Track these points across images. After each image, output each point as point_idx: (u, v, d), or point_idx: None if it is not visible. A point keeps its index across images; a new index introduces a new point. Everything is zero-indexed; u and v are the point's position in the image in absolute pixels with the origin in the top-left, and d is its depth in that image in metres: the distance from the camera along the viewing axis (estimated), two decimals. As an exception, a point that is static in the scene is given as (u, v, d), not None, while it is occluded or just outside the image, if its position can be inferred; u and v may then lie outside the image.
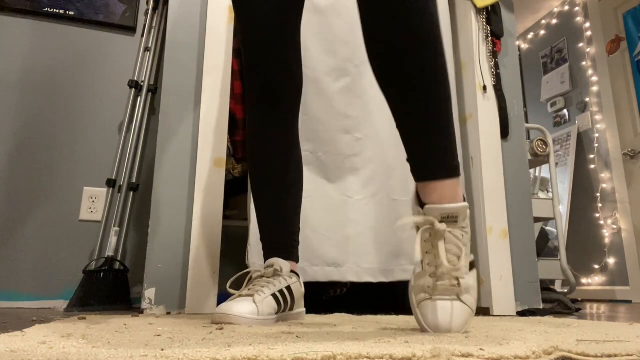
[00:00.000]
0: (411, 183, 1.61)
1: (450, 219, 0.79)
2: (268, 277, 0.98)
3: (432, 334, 0.73)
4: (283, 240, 1.09)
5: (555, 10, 4.05)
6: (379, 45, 0.82)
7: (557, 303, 1.75)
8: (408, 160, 0.89)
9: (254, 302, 0.90)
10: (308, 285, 1.46)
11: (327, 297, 1.79)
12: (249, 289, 0.94)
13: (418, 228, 0.82)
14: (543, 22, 4.18)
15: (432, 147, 0.84)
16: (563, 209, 3.59)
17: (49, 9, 1.77)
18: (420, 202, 0.85)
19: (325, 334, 0.70)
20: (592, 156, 3.56)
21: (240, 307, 0.87)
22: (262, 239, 1.09)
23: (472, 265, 0.84)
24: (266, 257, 1.06)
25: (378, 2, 0.80)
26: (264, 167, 1.08)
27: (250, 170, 1.11)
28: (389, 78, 0.83)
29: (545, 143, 2.21)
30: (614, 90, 3.43)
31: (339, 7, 1.60)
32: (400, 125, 0.88)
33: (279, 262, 1.00)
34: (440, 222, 0.78)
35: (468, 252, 0.81)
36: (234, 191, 1.78)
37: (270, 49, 1.02)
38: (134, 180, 1.71)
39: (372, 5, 0.81)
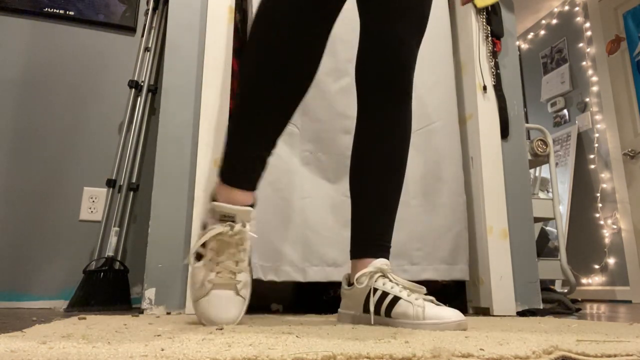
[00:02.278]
0: (411, 183, 1.61)
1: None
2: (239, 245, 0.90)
3: (432, 334, 0.73)
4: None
5: (555, 10, 4.05)
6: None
7: (557, 303, 1.75)
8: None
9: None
10: (308, 285, 1.46)
11: (327, 297, 1.79)
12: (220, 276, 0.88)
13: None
14: (543, 22, 4.18)
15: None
16: (563, 209, 3.59)
17: (49, 9, 1.77)
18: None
19: (325, 334, 0.70)
20: (592, 156, 3.56)
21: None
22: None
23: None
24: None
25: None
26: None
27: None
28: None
29: (545, 143, 2.21)
30: (614, 90, 3.43)
31: (339, 7, 1.60)
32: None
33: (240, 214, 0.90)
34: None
35: None
36: (234, 191, 1.77)
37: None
38: (134, 180, 1.71)
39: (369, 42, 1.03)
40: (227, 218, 0.87)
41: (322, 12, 0.91)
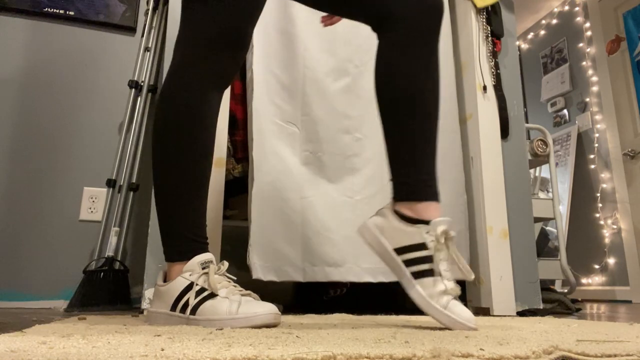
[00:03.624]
0: (411, 183, 1.61)
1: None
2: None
3: (432, 334, 0.73)
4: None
5: (555, 10, 4.05)
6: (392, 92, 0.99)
7: (557, 303, 1.75)
8: (405, 180, 0.98)
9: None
10: (308, 285, 1.46)
11: (327, 297, 1.80)
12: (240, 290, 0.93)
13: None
14: (543, 22, 4.18)
15: (433, 170, 0.99)
16: (563, 209, 3.59)
17: (49, 9, 1.77)
18: (410, 219, 0.93)
19: (325, 334, 0.70)
20: (592, 156, 3.56)
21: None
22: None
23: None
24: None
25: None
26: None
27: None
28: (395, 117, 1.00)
29: (545, 143, 2.21)
30: (614, 90, 3.43)
31: (339, 7, 1.60)
32: (411, 148, 0.98)
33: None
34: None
35: None
36: (234, 191, 1.78)
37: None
38: (134, 180, 1.71)
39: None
40: (207, 264, 0.90)
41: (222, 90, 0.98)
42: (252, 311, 0.82)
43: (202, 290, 0.87)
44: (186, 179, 0.94)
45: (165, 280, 0.94)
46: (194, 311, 0.86)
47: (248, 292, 0.90)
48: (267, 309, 0.83)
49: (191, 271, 0.90)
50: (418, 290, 0.87)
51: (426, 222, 0.90)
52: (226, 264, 0.94)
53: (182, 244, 0.93)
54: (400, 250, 0.91)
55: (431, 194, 0.96)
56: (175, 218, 0.94)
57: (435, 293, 0.86)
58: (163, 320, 0.91)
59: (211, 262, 0.91)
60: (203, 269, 0.90)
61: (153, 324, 0.90)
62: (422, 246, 0.89)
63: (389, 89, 0.99)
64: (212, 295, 0.86)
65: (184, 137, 0.93)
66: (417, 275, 0.88)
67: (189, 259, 0.90)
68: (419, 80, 0.98)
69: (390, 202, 0.96)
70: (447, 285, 0.86)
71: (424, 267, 0.88)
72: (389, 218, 0.94)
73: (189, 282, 0.89)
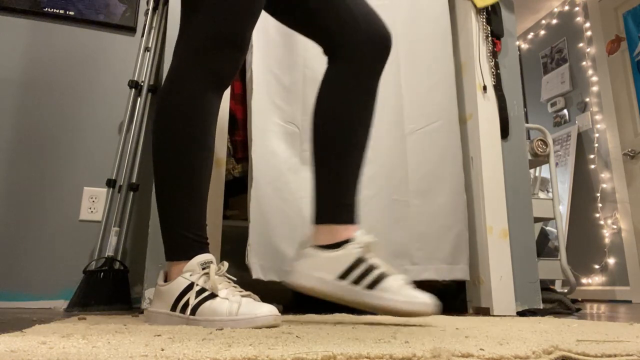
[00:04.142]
0: (411, 183, 1.61)
1: None
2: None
3: (432, 334, 0.73)
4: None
5: (555, 10, 4.05)
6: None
7: (557, 303, 1.75)
8: (330, 205, 1.03)
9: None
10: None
11: (327, 297, 1.79)
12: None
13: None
14: (543, 22, 4.18)
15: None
16: (563, 209, 3.59)
17: (48, 9, 1.77)
18: (334, 245, 0.98)
19: (325, 334, 0.70)
20: (592, 156, 3.56)
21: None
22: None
23: None
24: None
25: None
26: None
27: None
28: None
29: (545, 143, 2.21)
30: (614, 90, 3.43)
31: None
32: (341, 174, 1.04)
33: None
34: None
35: None
36: (234, 191, 1.78)
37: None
38: (134, 180, 1.70)
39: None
40: (207, 264, 0.91)
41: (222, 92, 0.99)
42: (253, 312, 0.82)
43: (203, 290, 0.87)
44: (186, 179, 0.94)
45: (165, 280, 0.94)
46: (194, 311, 0.86)
47: (248, 292, 0.90)
48: (268, 310, 0.83)
49: (191, 271, 0.89)
50: (380, 295, 0.93)
51: (347, 241, 0.97)
52: (226, 264, 0.94)
53: (182, 243, 0.93)
54: (343, 276, 0.95)
55: (352, 219, 1.01)
56: (175, 218, 0.94)
57: (396, 286, 0.93)
58: (163, 320, 0.91)
59: (211, 262, 0.91)
60: (203, 269, 0.90)
61: (153, 324, 0.90)
62: (359, 261, 0.96)
63: (327, 115, 1.04)
64: (213, 295, 0.86)
65: (183, 138, 0.93)
66: (372, 285, 0.94)
67: (190, 258, 0.90)
68: (355, 112, 1.03)
69: (309, 241, 1.01)
70: (387, 270, 0.95)
71: (374, 275, 0.95)
72: (316, 254, 0.98)
73: (189, 282, 0.89)
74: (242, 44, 0.96)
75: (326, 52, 1.08)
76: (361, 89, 1.04)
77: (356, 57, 1.03)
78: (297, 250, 1.03)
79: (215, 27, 0.93)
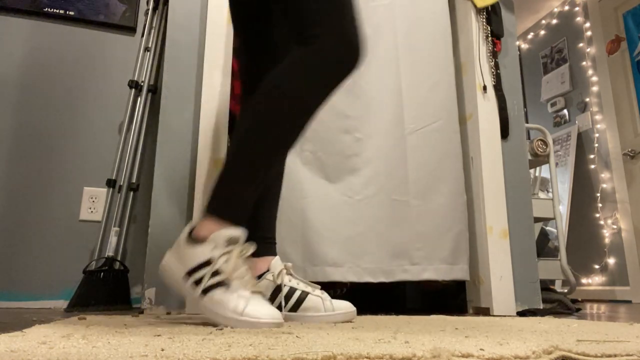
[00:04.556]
0: (411, 183, 1.61)
1: None
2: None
3: (432, 334, 0.73)
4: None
5: (555, 10, 4.05)
6: None
7: (557, 303, 1.75)
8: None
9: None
10: (308, 285, 1.46)
11: (327, 297, 1.79)
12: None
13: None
14: (543, 22, 4.18)
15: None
16: (563, 209, 3.59)
17: (49, 9, 1.77)
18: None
19: (325, 334, 0.70)
20: (592, 156, 3.56)
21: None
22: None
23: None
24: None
25: None
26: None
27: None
28: None
29: (545, 143, 2.21)
30: (614, 90, 3.43)
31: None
32: None
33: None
34: None
35: None
36: (234, 191, 1.77)
37: None
38: (134, 180, 1.71)
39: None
40: (234, 240, 0.90)
41: None
42: (257, 315, 0.83)
43: (217, 272, 0.87)
44: (278, 152, 0.95)
45: (191, 236, 0.91)
46: (205, 292, 0.86)
47: (259, 288, 0.91)
48: (271, 314, 0.84)
49: (215, 244, 0.88)
50: (304, 315, 1.04)
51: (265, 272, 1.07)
52: (252, 247, 0.93)
53: (233, 204, 0.92)
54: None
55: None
56: (245, 177, 0.92)
57: (316, 304, 1.03)
58: (175, 282, 0.91)
59: (238, 240, 0.90)
60: (228, 245, 0.89)
61: (165, 279, 0.91)
62: (278, 289, 1.05)
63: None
64: (225, 284, 0.86)
65: (313, 104, 0.93)
66: (295, 307, 1.04)
67: (229, 222, 0.89)
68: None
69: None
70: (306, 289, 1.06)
71: (295, 297, 1.04)
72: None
73: (210, 256, 0.87)
74: None
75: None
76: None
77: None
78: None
79: None
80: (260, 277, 1.06)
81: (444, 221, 1.60)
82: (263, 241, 1.10)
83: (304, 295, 1.04)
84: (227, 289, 0.86)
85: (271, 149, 0.93)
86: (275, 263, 1.07)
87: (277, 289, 1.05)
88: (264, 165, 0.93)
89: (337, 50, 0.92)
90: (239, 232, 0.90)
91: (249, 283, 0.89)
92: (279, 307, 1.03)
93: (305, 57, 0.92)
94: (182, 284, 0.89)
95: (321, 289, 1.09)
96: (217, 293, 0.85)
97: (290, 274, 1.08)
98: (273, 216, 1.18)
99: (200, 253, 0.88)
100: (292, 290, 1.05)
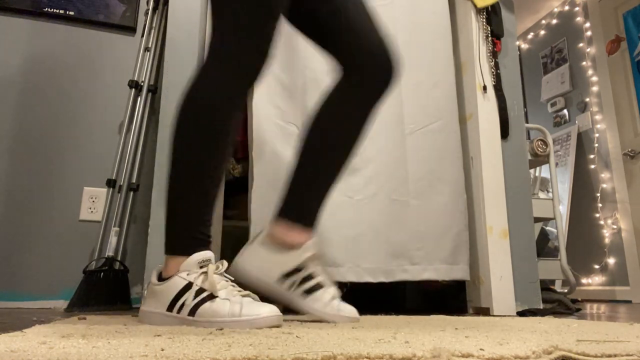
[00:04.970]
0: (411, 183, 1.61)
1: None
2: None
3: (432, 334, 0.73)
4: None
5: (555, 10, 4.05)
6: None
7: (557, 303, 1.75)
8: (299, 204, 1.08)
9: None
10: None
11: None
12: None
13: None
14: (543, 22, 4.17)
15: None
16: (563, 209, 3.59)
17: (49, 9, 1.77)
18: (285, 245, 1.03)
19: (325, 334, 0.70)
20: (592, 156, 3.56)
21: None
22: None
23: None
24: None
25: None
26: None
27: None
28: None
29: (545, 143, 2.21)
30: (614, 90, 3.43)
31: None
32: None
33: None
34: None
35: None
36: (234, 191, 1.78)
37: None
38: (134, 180, 1.70)
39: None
40: (205, 262, 0.90)
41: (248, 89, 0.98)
42: (255, 313, 0.82)
43: (201, 290, 0.87)
44: (203, 173, 0.94)
45: (160, 278, 0.93)
46: (192, 312, 0.85)
47: (247, 292, 0.90)
48: (270, 311, 0.83)
49: (188, 270, 0.89)
50: (310, 305, 1.01)
51: (297, 246, 1.02)
52: (225, 263, 0.93)
53: (185, 238, 0.92)
54: (284, 277, 1.01)
55: (311, 224, 1.06)
56: (184, 211, 0.93)
57: (326, 299, 1.01)
58: (158, 320, 0.90)
59: (210, 260, 0.90)
60: (201, 267, 0.89)
61: (147, 324, 0.89)
62: (300, 269, 1.02)
63: (325, 124, 1.07)
64: (212, 296, 0.86)
65: (208, 135, 0.93)
66: (306, 292, 1.01)
67: (190, 254, 0.90)
68: (347, 132, 1.07)
69: (261, 236, 1.05)
70: (322, 281, 1.02)
71: (310, 284, 1.01)
72: (266, 251, 1.03)
73: (187, 282, 0.88)
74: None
75: (337, 66, 1.10)
76: (360, 111, 1.07)
77: (364, 81, 1.06)
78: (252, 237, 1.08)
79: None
80: (287, 247, 1.03)
81: (444, 221, 1.60)
82: (304, 210, 1.07)
83: (318, 286, 1.03)
84: (215, 300, 0.85)
85: (198, 166, 0.94)
86: (311, 244, 1.04)
87: (299, 268, 1.02)
88: (198, 182, 0.94)
89: (234, 67, 0.95)
90: (208, 254, 0.91)
91: (234, 290, 0.88)
92: (292, 286, 1.01)
93: (210, 66, 0.97)
94: (167, 318, 0.89)
95: (339, 288, 1.08)
96: (207, 305, 0.85)
97: (316, 262, 1.07)
98: (320, 189, 1.11)
99: (177, 282, 0.89)
100: (310, 276, 1.03)
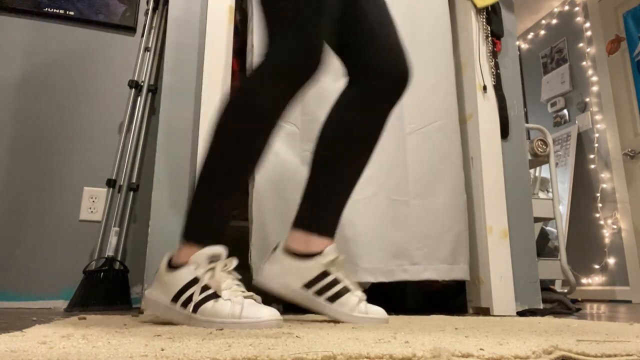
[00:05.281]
0: (411, 183, 1.61)
1: None
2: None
3: (432, 334, 0.73)
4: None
5: (555, 10, 4.05)
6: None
7: (557, 303, 1.75)
8: (316, 213, 1.09)
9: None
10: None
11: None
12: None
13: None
14: (543, 22, 4.17)
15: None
16: (563, 209, 3.59)
17: (49, 9, 1.77)
18: (304, 254, 1.03)
19: (325, 334, 0.70)
20: (592, 156, 3.56)
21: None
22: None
23: None
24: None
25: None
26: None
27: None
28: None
29: (545, 143, 2.21)
30: (614, 90, 3.43)
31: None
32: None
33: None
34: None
35: None
36: (234, 191, 1.77)
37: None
38: (133, 180, 1.71)
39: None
40: (215, 258, 0.90)
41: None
42: (256, 316, 0.82)
43: (206, 287, 0.87)
44: (238, 171, 0.94)
45: (170, 263, 0.92)
46: (196, 309, 0.85)
47: (250, 293, 0.90)
48: (270, 314, 0.83)
49: (197, 264, 0.89)
50: (337, 309, 1.00)
51: (318, 254, 1.01)
52: (234, 261, 0.93)
53: (204, 227, 0.93)
54: (308, 285, 1.00)
55: (330, 232, 1.06)
56: (209, 202, 0.93)
57: (352, 302, 1.00)
58: (162, 311, 0.90)
59: (220, 257, 0.90)
60: (210, 262, 0.89)
61: (151, 312, 0.90)
62: (324, 274, 1.01)
63: (334, 134, 1.07)
64: (215, 295, 0.86)
65: (259, 120, 0.93)
66: (332, 298, 1.00)
67: (204, 244, 0.90)
68: (362, 137, 1.08)
69: (281, 245, 1.04)
70: (348, 285, 1.02)
71: (336, 289, 1.01)
72: (287, 261, 1.02)
73: (194, 276, 0.88)
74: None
75: (348, 72, 1.10)
76: (373, 117, 1.07)
77: (377, 86, 1.06)
78: (272, 250, 1.07)
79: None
80: (308, 256, 1.02)
81: (444, 221, 1.60)
82: (322, 219, 1.07)
83: (345, 290, 1.02)
84: (217, 300, 0.85)
85: (235, 164, 0.94)
86: (331, 249, 1.04)
87: (323, 274, 1.02)
88: (231, 179, 0.94)
89: (279, 68, 0.93)
90: (219, 250, 0.91)
91: (238, 291, 0.88)
92: (318, 292, 1.01)
93: (257, 69, 0.95)
94: (170, 310, 0.89)
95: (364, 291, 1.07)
96: (209, 304, 0.85)
97: (338, 266, 1.06)
98: (338, 197, 1.11)
99: (184, 275, 0.89)
100: (335, 281, 1.02)
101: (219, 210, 0.94)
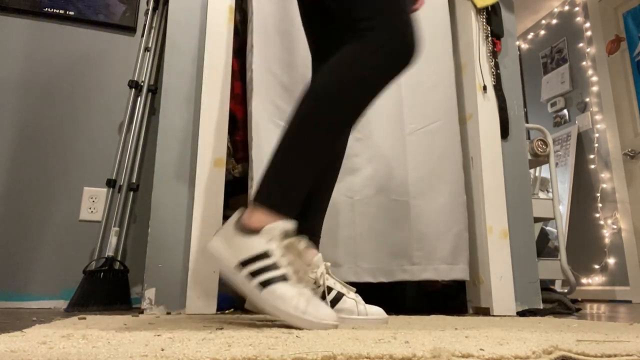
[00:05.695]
0: (411, 183, 1.61)
1: None
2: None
3: (432, 334, 0.73)
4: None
5: (555, 10, 4.05)
6: None
7: (557, 303, 1.75)
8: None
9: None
10: (308, 285, 1.46)
11: (327, 297, 1.79)
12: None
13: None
14: (543, 22, 4.17)
15: None
16: (563, 209, 3.59)
17: (49, 9, 1.77)
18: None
19: (325, 334, 0.70)
20: (592, 156, 3.56)
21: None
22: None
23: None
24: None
25: None
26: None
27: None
28: None
29: (545, 143, 2.21)
30: (614, 90, 3.43)
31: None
32: None
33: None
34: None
35: None
36: (234, 191, 1.77)
37: None
38: (134, 180, 1.71)
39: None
40: (287, 234, 0.87)
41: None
42: (320, 316, 0.81)
43: (276, 266, 0.84)
44: (333, 142, 0.91)
45: (239, 223, 0.88)
46: (264, 284, 0.82)
47: (353, 289, 0.94)
48: (333, 316, 0.82)
49: (271, 236, 0.85)
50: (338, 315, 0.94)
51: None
52: (304, 241, 0.90)
53: (286, 195, 0.89)
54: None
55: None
56: (301, 170, 0.89)
57: (350, 306, 1.01)
58: (227, 272, 0.86)
59: (291, 233, 0.88)
60: (283, 239, 0.86)
61: (216, 266, 0.88)
62: (315, 284, 0.99)
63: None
64: (284, 278, 0.83)
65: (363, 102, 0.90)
66: (330, 305, 0.99)
67: (282, 213, 0.86)
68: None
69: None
70: (342, 290, 1.01)
71: (331, 296, 1.00)
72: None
73: (266, 250, 0.84)
74: None
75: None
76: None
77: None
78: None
79: None
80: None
81: (444, 221, 1.60)
82: (308, 234, 1.03)
83: (339, 296, 1.02)
84: (286, 284, 0.82)
85: (325, 136, 0.89)
86: (318, 260, 1.02)
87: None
88: (324, 148, 0.90)
89: (392, 45, 0.89)
90: (292, 225, 0.87)
91: (304, 279, 0.87)
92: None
93: (359, 51, 0.89)
94: (235, 273, 0.85)
95: (356, 292, 1.07)
96: (278, 287, 0.82)
97: (328, 274, 1.05)
98: (323, 209, 1.12)
99: (256, 244, 0.84)
100: (328, 290, 1.02)
101: (303, 178, 0.89)
